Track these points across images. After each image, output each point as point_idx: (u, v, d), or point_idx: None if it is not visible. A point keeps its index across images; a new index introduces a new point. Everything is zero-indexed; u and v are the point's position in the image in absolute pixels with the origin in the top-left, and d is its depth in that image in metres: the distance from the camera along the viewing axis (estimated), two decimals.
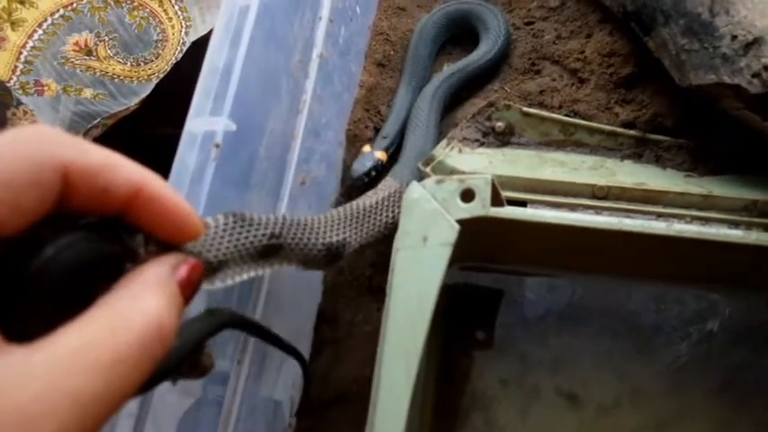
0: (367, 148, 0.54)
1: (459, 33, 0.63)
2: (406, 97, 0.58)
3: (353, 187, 0.54)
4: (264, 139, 0.41)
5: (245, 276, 0.32)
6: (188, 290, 0.23)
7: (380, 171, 0.53)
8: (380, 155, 0.54)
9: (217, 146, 0.36)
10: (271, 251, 0.33)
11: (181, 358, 0.26)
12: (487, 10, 0.60)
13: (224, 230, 0.30)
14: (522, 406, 0.50)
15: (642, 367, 0.49)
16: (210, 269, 0.29)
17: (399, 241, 0.37)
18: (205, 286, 0.28)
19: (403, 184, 0.48)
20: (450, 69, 0.58)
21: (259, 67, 0.40)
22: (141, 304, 0.21)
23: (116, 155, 0.22)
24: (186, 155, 0.36)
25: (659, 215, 0.44)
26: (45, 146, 0.20)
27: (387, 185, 0.47)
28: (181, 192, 0.35)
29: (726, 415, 0.48)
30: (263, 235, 0.32)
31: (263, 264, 0.33)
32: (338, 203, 0.51)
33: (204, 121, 0.36)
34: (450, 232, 0.36)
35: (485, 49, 0.59)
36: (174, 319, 0.22)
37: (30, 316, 0.20)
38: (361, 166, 0.52)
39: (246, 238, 0.31)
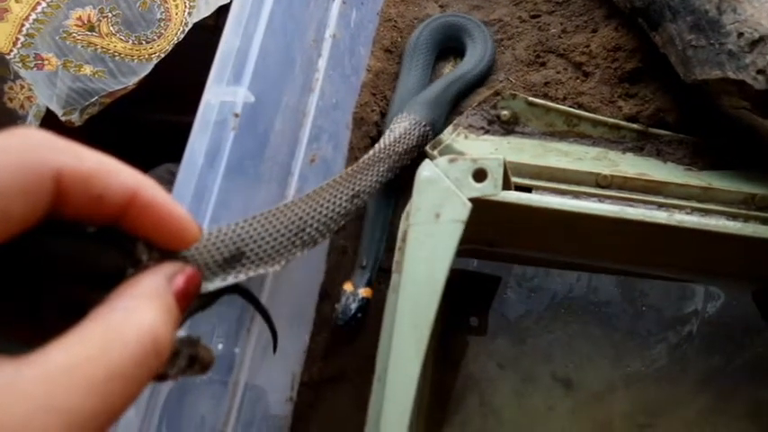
0: (348, 287, 0.49)
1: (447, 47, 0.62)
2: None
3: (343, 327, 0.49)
4: (279, 113, 0.42)
5: (276, 267, 0.30)
6: (184, 300, 0.23)
7: (367, 310, 0.49)
8: (365, 292, 0.49)
9: (236, 115, 0.36)
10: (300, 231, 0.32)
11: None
12: (473, 23, 0.60)
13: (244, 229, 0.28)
14: (518, 389, 0.51)
15: (634, 355, 0.51)
16: (224, 266, 0.27)
17: (412, 217, 0.37)
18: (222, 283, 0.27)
19: (417, 118, 0.49)
20: (449, 78, 0.57)
21: (276, 43, 0.41)
22: (135, 317, 0.20)
23: (111, 159, 0.21)
24: (204, 123, 0.36)
25: (660, 205, 0.46)
26: (36, 151, 0.19)
27: (401, 120, 0.48)
28: (198, 161, 0.35)
29: (714, 402, 0.49)
30: (293, 222, 0.31)
31: (294, 251, 0.31)
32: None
33: (223, 90, 0.37)
34: (463, 209, 0.37)
35: (477, 58, 0.58)
36: (170, 331, 0.21)
37: (20, 325, 0.19)
38: (348, 309, 0.48)
39: (276, 228, 0.30)
